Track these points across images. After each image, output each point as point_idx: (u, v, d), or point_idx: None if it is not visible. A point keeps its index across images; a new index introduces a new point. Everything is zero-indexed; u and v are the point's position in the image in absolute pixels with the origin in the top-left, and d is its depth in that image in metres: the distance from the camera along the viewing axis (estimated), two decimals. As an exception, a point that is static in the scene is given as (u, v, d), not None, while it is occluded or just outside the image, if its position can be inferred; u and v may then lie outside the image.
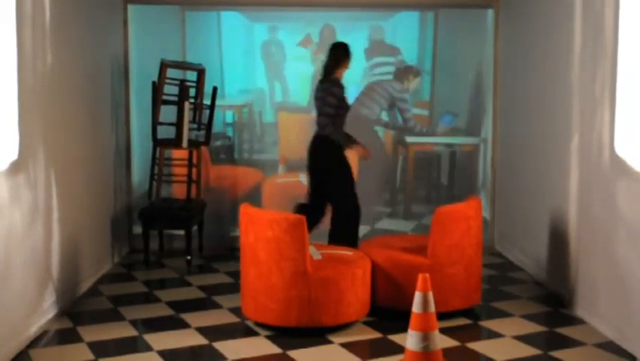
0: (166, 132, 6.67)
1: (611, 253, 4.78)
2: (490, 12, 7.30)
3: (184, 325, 5.09)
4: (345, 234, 5.95)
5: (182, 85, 6.59)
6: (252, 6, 7.61)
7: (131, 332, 4.96)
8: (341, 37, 7.84)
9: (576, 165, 5.32)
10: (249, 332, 4.97)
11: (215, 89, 6.78)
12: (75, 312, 5.30)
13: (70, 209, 5.49)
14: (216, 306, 5.52)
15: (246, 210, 4.97)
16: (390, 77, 7.79)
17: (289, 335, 4.84)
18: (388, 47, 8.15)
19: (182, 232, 6.62)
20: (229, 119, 8.17)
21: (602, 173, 4.90)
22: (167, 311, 5.40)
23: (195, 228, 6.87)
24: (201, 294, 5.83)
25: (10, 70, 4.45)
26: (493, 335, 4.95)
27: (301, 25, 7.91)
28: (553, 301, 5.58)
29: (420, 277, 4.08)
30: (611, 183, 4.77)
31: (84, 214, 5.86)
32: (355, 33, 7.97)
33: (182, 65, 6.86)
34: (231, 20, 8.03)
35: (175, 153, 6.94)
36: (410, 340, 4.04)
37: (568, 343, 4.77)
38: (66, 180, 5.38)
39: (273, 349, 4.67)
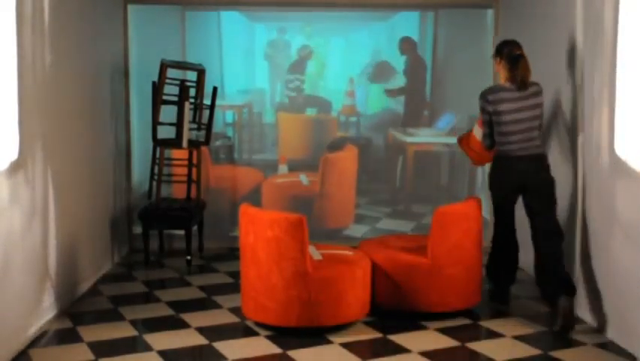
0: (166, 132, 6.68)
1: (610, 252, 4.78)
2: (490, 12, 7.30)
3: (184, 325, 5.09)
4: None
5: (182, 85, 6.59)
6: (252, 6, 7.62)
7: (131, 332, 4.96)
8: (340, 38, 7.85)
9: (575, 165, 5.32)
10: (248, 332, 4.97)
11: (215, 89, 6.79)
12: (75, 312, 5.30)
13: (70, 209, 5.49)
14: (216, 306, 5.52)
15: (245, 210, 4.97)
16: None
17: (289, 335, 4.84)
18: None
19: (182, 232, 6.63)
20: (229, 119, 8.18)
21: (601, 173, 4.89)
22: (167, 311, 5.40)
23: (195, 228, 6.88)
24: (201, 294, 5.83)
25: (10, 70, 4.45)
26: (493, 335, 4.95)
27: (302, 25, 7.90)
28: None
29: None
30: (610, 183, 4.77)
31: (84, 214, 5.86)
32: (355, 33, 7.97)
33: (182, 65, 6.85)
34: (231, 20, 8.03)
35: (175, 153, 6.95)
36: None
37: (568, 343, 4.77)
38: (66, 180, 5.38)
39: (273, 349, 4.67)
